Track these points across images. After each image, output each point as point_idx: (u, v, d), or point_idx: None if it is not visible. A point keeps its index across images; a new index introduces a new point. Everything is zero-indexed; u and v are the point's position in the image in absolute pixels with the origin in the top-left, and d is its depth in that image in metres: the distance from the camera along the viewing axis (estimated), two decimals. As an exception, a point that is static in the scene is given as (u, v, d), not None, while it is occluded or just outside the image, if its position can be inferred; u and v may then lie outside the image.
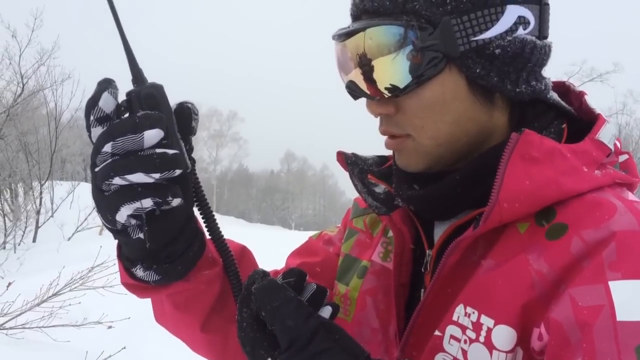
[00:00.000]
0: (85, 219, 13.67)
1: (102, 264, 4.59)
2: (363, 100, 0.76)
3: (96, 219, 13.88)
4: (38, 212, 13.41)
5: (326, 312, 0.66)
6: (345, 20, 0.76)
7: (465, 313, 0.67)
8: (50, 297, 4.36)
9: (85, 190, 15.25)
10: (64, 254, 9.60)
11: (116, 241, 0.72)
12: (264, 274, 0.68)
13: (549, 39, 0.73)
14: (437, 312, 0.71)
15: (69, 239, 13.10)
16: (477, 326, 0.65)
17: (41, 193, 13.70)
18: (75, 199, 14.08)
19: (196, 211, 0.75)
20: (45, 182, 13.96)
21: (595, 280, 0.58)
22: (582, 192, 0.66)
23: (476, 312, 0.66)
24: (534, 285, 0.62)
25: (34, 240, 13.02)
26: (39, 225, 13.47)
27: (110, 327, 4.39)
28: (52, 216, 13.86)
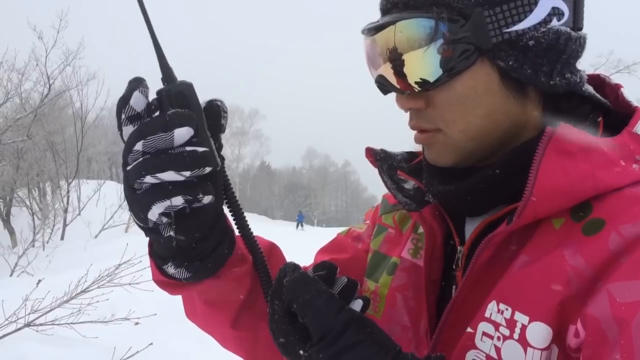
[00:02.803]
0: (112, 217, 13.89)
1: (128, 261, 4.66)
2: (388, 96, 0.75)
3: (122, 217, 14.12)
4: (65, 211, 13.69)
5: (357, 305, 0.66)
6: (373, 17, 0.76)
7: (498, 310, 0.66)
8: (78, 294, 4.43)
9: (111, 188, 15.52)
10: (91, 251, 9.77)
11: (147, 239, 0.73)
12: (295, 267, 0.68)
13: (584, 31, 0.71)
14: (469, 309, 0.70)
15: (96, 236, 13.34)
16: (511, 323, 0.64)
17: (68, 192, 13.99)
18: (101, 197, 14.32)
19: (225, 209, 0.76)
20: (72, 181, 14.23)
21: (634, 276, 0.56)
22: (620, 187, 0.64)
23: (510, 309, 0.65)
24: (571, 281, 0.61)
25: (62, 238, 13.30)
26: (67, 223, 13.73)
27: (137, 323, 4.46)
28: (79, 214, 14.12)
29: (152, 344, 3.89)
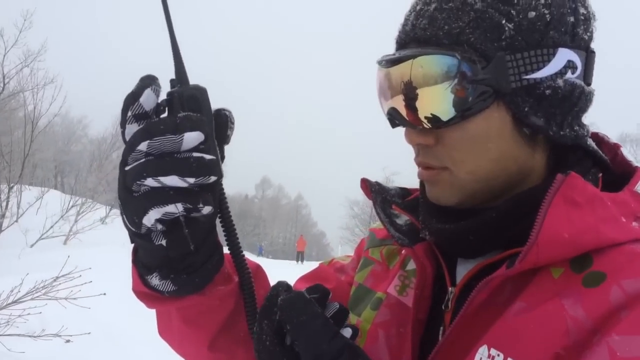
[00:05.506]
0: (51, 227, 13.32)
1: (68, 275, 4.44)
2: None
3: (62, 228, 13.54)
4: (3, 216, 13.02)
5: (346, 333, 0.64)
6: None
7: (489, 355, 0.65)
8: (9, 304, 4.18)
9: (54, 197, 14.92)
10: (25, 260, 9.28)
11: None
12: (288, 286, 0.66)
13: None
14: (457, 352, 0.69)
15: (32, 245, 12.71)
16: None
17: (8, 196, 13.32)
18: (43, 205, 13.73)
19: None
20: (14, 186, 13.58)
21: (635, 331, 0.57)
22: (620, 242, 0.65)
23: (502, 355, 0.64)
24: (569, 331, 0.61)
25: (-6, 244, 12.59)
26: (2, 229, 13.05)
27: (68, 341, 4.22)
28: (16, 221, 13.44)
29: (83, 363, 3.70)
